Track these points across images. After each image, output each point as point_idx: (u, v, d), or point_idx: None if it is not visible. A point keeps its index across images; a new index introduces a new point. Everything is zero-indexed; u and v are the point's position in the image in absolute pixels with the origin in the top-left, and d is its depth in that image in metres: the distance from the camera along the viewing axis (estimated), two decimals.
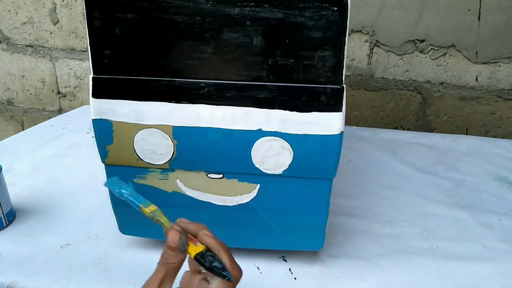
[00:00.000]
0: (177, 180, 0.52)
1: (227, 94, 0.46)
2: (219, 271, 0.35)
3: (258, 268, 0.56)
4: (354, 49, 1.08)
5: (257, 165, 0.49)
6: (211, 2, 0.43)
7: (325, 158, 0.47)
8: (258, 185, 0.51)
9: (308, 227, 0.53)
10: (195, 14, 0.44)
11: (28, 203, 0.70)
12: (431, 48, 1.03)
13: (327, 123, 0.46)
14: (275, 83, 0.45)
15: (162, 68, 0.46)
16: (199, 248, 0.37)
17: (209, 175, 0.50)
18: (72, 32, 1.27)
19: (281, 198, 0.51)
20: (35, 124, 1.07)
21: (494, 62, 1.02)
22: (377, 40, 1.06)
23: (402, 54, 1.06)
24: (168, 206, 0.53)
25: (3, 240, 0.60)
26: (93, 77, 0.47)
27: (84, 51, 1.29)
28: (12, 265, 0.55)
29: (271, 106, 0.46)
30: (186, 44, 0.45)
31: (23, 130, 1.16)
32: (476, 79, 1.04)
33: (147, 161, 0.50)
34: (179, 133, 0.48)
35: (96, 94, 0.48)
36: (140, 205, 0.40)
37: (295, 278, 0.54)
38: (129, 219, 0.56)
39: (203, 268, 0.37)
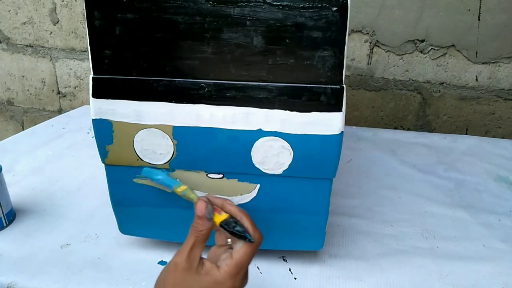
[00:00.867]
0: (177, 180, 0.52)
1: (227, 94, 0.46)
2: (241, 234, 0.39)
3: (258, 268, 0.56)
4: (354, 49, 1.08)
5: (257, 165, 0.49)
6: (211, 2, 0.43)
7: (325, 158, 0.47)
8: (258, 185, 0.51)
9: (308, 227, 0.53)
10: (195, 14, 0.44)
11: (28, 203, 0.70)
12: (431, 48, 1.04)
13: (327, 123, 0.46)
14: (275, 83, 0.45)
15: (162, 68, 0.46)
16: (223, 216, 0.41)
17: (209, 175, 0.50)
18: (72, 32, 1.27)
19: (281, 198, 0.51)
20: (35, 124, 1.07)
21: (494, 62, 1.02)
22: (377, 40, 1.06)
23: (402, 54, 1.06)
24: (168, 206, 0.54)
25: (3, 240, 0.60)
26: (93, 77, 0.47)
27: (84, 51, 1.29)
28: (12, 265, 0.55)
29: (271, 106, 0.46)
30: (186, 44, 0.45)
31: (23, 130, 1.16)
32: (476, 79, 1.04)
33: (147, 161, 0.50)
34: (179, 133, 0.48)
35: (96, 94, 0.48)
36: (173, 185, 0.46)
37: (295, 278, 0.54)
38: (129, 219, 0.56)
39: (228, 240, 0.42)
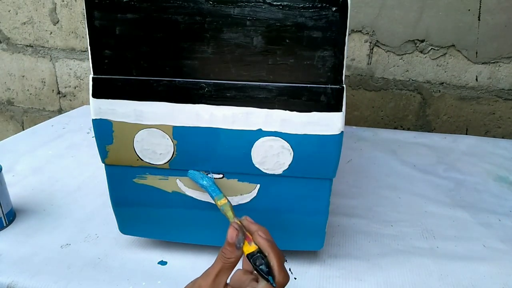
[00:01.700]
0: (177, 180, 0.52)
1: (227, 94, 0.46)
2: (263, 274, 0.37)
3: None
4: (354, 49, 1.08)
5: (257, 165, 0.49)
6: (211, 2, 0.43)
7: (325, 158, 0.47)
8: (258, 185, 0.51)
9: (308, 227, 0.53)
10: (195, 14, 0.44)
11: (28, 203, 0.70)
12: (431, 48, 1.04)
13: (327, 123, 0.46)
14: (275, 83, 0.45)
15: (162, 68, 0.46)
16: (252, 248, 0.39)
17: (209, 175, 0.50)
18: (72, 32, 1.27)
19: (281, 198, 0.51)
20: (35, 124, 1.08)
21: (494, 62, 1.02)
22: (377, 40, 1.06)
23: (402, 54, 1.06)
24: (168, 206, 0.54)
25: (3, 240, 0.60)
26: (93, 77, 0.47)
27: (84, 51, 1.29)
28: (12, 265, 0.55)
29: (271, 106, 0.46)
30: (186, 44, 0.45)
31: (23, 130, 1.16)
32: (476, 79, 1.04)
33: (147, 161, 0.50)
34: (179, 133, 0.48)
35: (96, 94, 0.48)
36: (215, 196, 0.45)
37: (295, 278, 0.54)
38: (129, 219, 0.56)
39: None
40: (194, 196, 0.52)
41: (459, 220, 0.68)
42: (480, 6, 0.97)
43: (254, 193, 0.51)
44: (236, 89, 0.46)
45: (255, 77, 0.45)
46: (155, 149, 0.49)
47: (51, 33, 1.28)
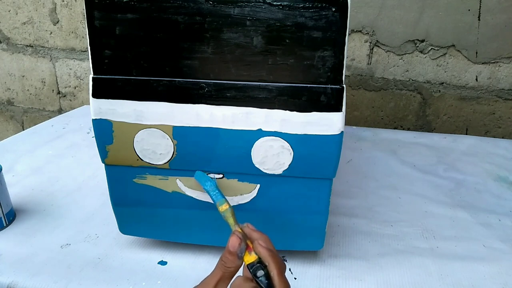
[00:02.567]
0: (177, 180, 0.52)
1: (227, 94, 0.46)
2: (262, 285, 0.36)
3: None
4: (354, 49, 1.08)
5: (257, 165, 0.49)
6: (211, 2, 0.43)
7: (325, 158, 0.47)
8: (258, 185, 0.51)
9: (308, 227, 0.53)
10: (195, 14, 0.44)
11: (28, 203, 0.70)
12: (431, 48, 1.04)
13: (327, 123, 0.46)
14: (275, 83, 0.45)
15: (162, 68, 0.46)
16: (252, 258, 0.38)
17: (209, 175, 0.50)
18: (72, 32, 1.27)
19: (281, 198, 0.51)
20: (35, 124, 1.08)
21: (494, 62, 1.02)
22: (377, 40, 1.06)
23: (402, 54, 1.06)
24: (168, 206, 0.54)
25: (3, 240, 0.60)
26: (93, 77, 0.47)
27: (84, 51, 1.29)
28: (12, 265, 0.55)
29: (271, 106, 0.46)
30: (186, 44, 0.45)
31: (23, 130, 1.16)
32: (476, 79, 1.04)
33: (147, 161, 0.50)
34: (179, 133, 0.48)
35: (96, 94, 0.48)
36: (216, 202, 0.44)
37: (295, 278, 0.54)
38: (129, 219, 0.56)
39: None
40: (194, 196, 0.52)
41: (459, 220, 0.68)
42: (480, 6, 0.97)
43: (254, 193, 0.51)
44: (236, 89, 0.46)
45: (255, 77, 0.45)
46: (155, 149, 0.49)
47: (51, 33, 1.28)
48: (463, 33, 1.00)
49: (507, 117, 1.07)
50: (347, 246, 0.61)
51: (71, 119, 1.10)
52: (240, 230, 0.40)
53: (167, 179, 0.52)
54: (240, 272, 0.40)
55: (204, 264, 0.56)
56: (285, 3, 0.42)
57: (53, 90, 1.37)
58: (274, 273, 0.37)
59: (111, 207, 0.55)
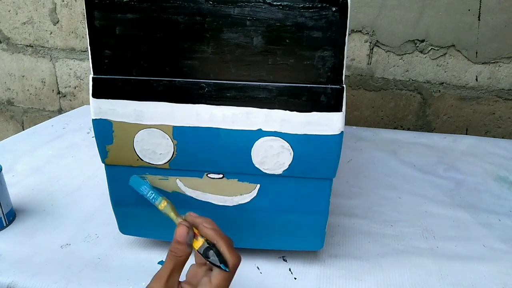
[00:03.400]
0: (177, 180, 0.52)
1: (227, 94, 0.46)
2: (214, 263, 0.38)
3: (258, 268, 0.56)
4: (354, 49, 1.08)
5: (257, 165, 0.49)
6: (211, 2, 0.43)
7: (325, 158, 0.47)
8: (258, 185, 0.51)
9: (308, 227, 0.53)
10: (195, 14, 0.44)
11: (28, 203, 0.70)
12: (431, 48, 1.04)
13: (327, 123, 0.46)
14: (275, 83, 0.45)
15: (162, 68, 0.46)
16: (199, 242, 0.40)
17: (209, 175, 0.50)
18: (72, 32, 1.27)
19: (281, 198, 0.51)
20: (35, 124, 1.08)
21: (494, 62, 1.02)
22: (377, 40, 1.06)
23: (402, 54, 1.06)
24: None
25: (3, 240, 0.60)
26: (93, 77, 0.47)
27: (84, 51, 1.29)
28: (12, 265, 0.55)
29: (271, 106, 0.46)
30: (186, 44, 0.45)
31: (23, 130, 1.16)
32: (476, 79, 1.04)
33: (147, 161, 0.50)
34: (179, 133, 0.48)
35: (96, 94, 0.48)
36: (155, 202, 0.45)
37: (295, 278, 0.54)
38: (129, 219, 0.56)
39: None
40: (194, 196, 0.52)
41: (459, 220, 0.68)
42: (480, 6, 0.97)
43: (254, 193, 0.51)
44: (236, 89, 0.46)
45: (255, 77, 0.45)
46: (155, 149, 0.49)
47: (51, 33, 1.28)
48: (463, 33, 1.00)
49: (507, 117, 1.07)
50: (347, 246, 0.61)
51: (71, 119, 1.10)
52: (184, 220, 0.41)
53: (167, 179, 0.52)
54: (192, 261, 0.41)
55: None
56: (285, 3, 0.42)
57: (53, 90, 1.37)
58: (223, 248, 0.38)
59: (111, 207, 0.55)
